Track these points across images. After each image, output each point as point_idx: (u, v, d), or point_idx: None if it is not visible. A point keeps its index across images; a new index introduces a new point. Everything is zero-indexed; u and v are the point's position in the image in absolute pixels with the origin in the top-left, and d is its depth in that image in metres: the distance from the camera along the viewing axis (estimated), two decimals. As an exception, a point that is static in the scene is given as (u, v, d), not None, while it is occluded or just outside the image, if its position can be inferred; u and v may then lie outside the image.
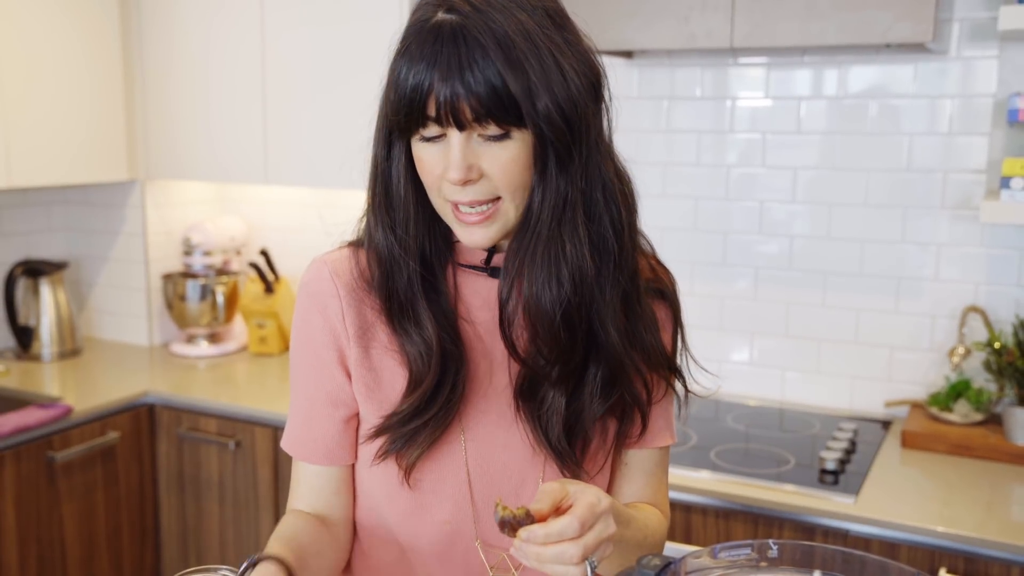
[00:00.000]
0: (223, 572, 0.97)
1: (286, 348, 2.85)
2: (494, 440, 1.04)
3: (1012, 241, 2.13)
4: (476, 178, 0.94)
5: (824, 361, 2.37)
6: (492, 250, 1.05)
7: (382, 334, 1.04)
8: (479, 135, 0.93)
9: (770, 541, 0.81)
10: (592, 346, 1.01)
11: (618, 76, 2.49)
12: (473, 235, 0.97)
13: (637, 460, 1.12)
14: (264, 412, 2.34)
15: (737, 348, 2.46)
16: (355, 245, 1.08)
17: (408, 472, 1.02)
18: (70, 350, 2.80)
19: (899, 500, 1.81)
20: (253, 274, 2.87)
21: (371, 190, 1.03)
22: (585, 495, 0.87)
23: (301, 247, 2.92)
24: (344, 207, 2.98)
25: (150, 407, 2.49)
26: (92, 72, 2.66)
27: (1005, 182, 1.87)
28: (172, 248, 2.95)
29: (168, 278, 2.86)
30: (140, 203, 2.86)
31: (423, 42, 0.91)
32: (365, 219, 1.06)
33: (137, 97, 2.78)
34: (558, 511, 0.87)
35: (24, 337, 2.76)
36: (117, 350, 2.89)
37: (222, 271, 2.91)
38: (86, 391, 2.47)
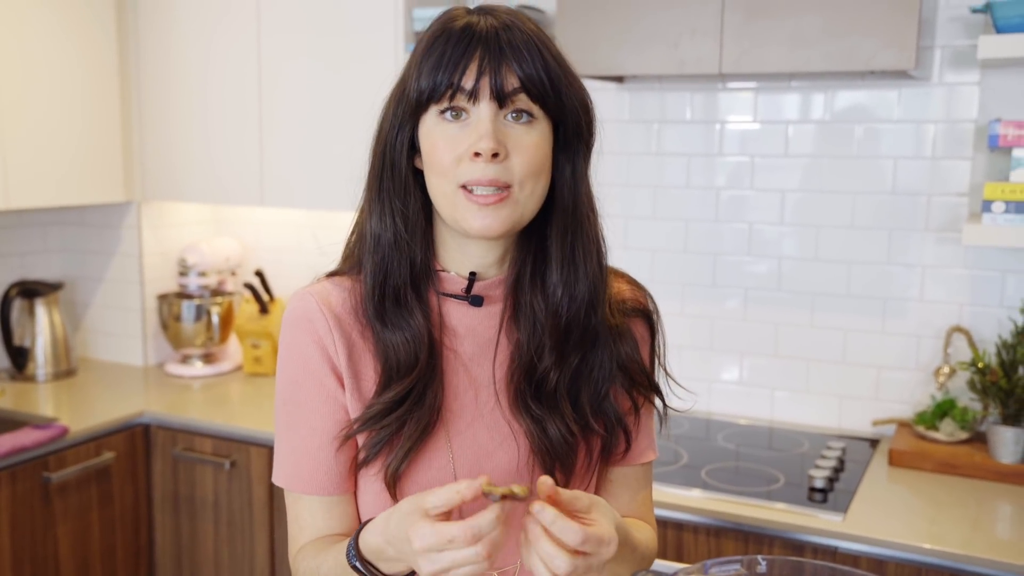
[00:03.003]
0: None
1: (280, 368, 2.87)
2: (483, 466, 1.05)
3: (995, 263, 2.18)
4: (502, 157, 0.96)
5: (812, 381, 2.40)
6: (472, 280, 1.06)
7: (368, 366, 1.05)
8: (505, 116, 0.97)
9: (759, 557, 0.84)
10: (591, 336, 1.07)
11: (609, 100, 2.53)
12: (485, 219, 0.97)
13: (622, 477, 1.15)
14: (259, 432, 2.36)
15: (727, 368, 2.49)
16: (335, 275, 1.10)
17: (395, 482, 1.02)
18: (65, 371, 2.82)
19: (887, 517, 1.84)
20: (248, 294, 2.89)
21: (376, 179, 1.03)
22: (605, 524, 0.87)
23: (296, 268, 2.95)
24: (338, 228, 3.01)
25: (145, 427, 2.50)
26: (89, 94, 2.69)
27: (986, 206, 1.91)
28: (167, 269, 2.98)
29: (163, 299, 2.88)
30: (136, 224, 2.88)
31: (462, 31, 0.97)
32: (357, 229, 1.08)
33: (134, 119, 2.81)
34: (557, 504, 0.86)
35: (19, 358, 2.77)
36: (112, 370, 2.90)
37: (217, 292, 2.93)
38: (81, 412, 2.49)
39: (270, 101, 2.60)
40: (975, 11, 1.95)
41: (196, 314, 2.85)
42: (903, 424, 2.26)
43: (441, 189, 0.99)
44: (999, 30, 1.85)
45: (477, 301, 1.06)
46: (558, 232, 1.03)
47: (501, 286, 1.07)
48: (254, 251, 3.05)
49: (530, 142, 0.98)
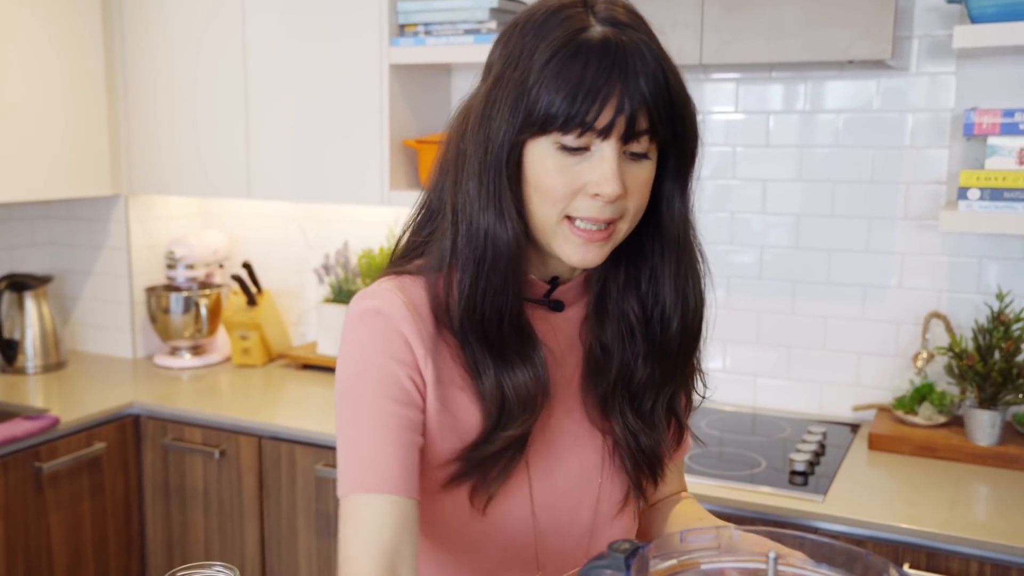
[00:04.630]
0: (217, 568, 1.01)
1: (269, 359, 2.89)
2: (555, 470, 1.05)
3: (972, 249, 2.22)
4: (622, 195, 0.93)
5: (794, 367, 2.44)
6: (554, 284, 1.05)
7: (455, 372, 1.00)
8: (624, 152, 0.92)
9: (731, 526, 0.87)
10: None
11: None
12: (587, 253, 0.95)
13: (673, 466, 1.21)
14: (248, 421, 2.38)
15: (711, 356, 2.53)
16: (404, 274, 1.02)
17: (486, 503, 1.01)
18: (55, 363, 2.83)
19: (866, 499, 1.88)
20: (236, 287, 2.91)
21: (494, 175, 0.94)
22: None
23: (283, 260, 2.97)
24: (324, 221, 3.02)
25: (135, 418, 2.52)
26: (75, 87, 2.70)
27: (962, 193, 1.95)
28: (155, 262, 2.99)
29: (152, 291, 2.90)
30: (124, 218, 2.89)
31: (601, 52, 0.89)
32: (440, 223, 1.00)
33: (120, 113, 2.82)
34: None
35: (9, 351, 2.78)
36: (101, 363, 2.92)
37: (205, 284, 2.95)
38: (72, 403, 2.50)
39: (256, 93, 2.62)
40: (951, 1, 1.98)
41: (184, 306, 2.87)
42: (883, 409, 2.30)
43: (544, 215, 0.95)
44: (974, 20, 1.88)
45: (559, 306, 1.05)
46: (670, 263, 1.01)
47: (575, 289, 1.07)
48: (241, 244, 3.07)
49: (643, 179, 0.95)
